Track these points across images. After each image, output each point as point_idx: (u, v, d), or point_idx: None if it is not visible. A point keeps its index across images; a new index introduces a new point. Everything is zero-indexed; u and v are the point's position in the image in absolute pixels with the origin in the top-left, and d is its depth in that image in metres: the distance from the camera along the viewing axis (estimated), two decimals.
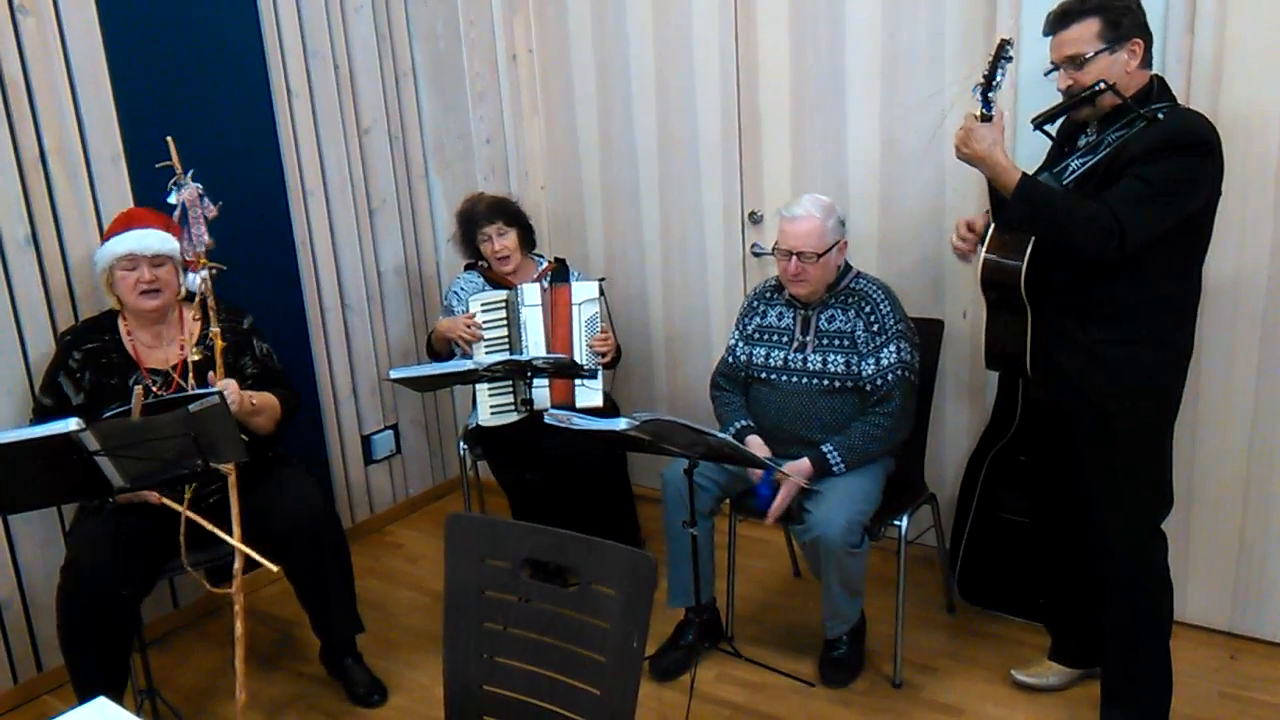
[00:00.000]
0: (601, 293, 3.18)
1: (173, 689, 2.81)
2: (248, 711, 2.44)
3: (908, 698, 2.64)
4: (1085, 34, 2.06)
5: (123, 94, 2.92)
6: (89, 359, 2.60)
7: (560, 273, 3.34)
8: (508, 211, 3.26)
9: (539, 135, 3.76)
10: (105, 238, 2.64)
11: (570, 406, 3.12)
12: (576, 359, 3.11)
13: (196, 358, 2.50)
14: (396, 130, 3.78)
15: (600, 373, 3.17)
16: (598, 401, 3.14)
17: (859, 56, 3.02)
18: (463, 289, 3.28)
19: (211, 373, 2.48)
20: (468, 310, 3.16)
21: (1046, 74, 2.18)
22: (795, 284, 2.69)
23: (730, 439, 2.43)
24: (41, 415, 2.55)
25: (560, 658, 1.53)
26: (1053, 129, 2.28)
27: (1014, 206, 2.06)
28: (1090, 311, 2.16)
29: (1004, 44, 2.06)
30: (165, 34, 3.04)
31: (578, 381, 3.12)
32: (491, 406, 3.13)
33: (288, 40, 3.35)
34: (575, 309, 3.14)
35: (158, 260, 2.57)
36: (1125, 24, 2.06)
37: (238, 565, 2.38)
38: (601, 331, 3.17)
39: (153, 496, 2.44)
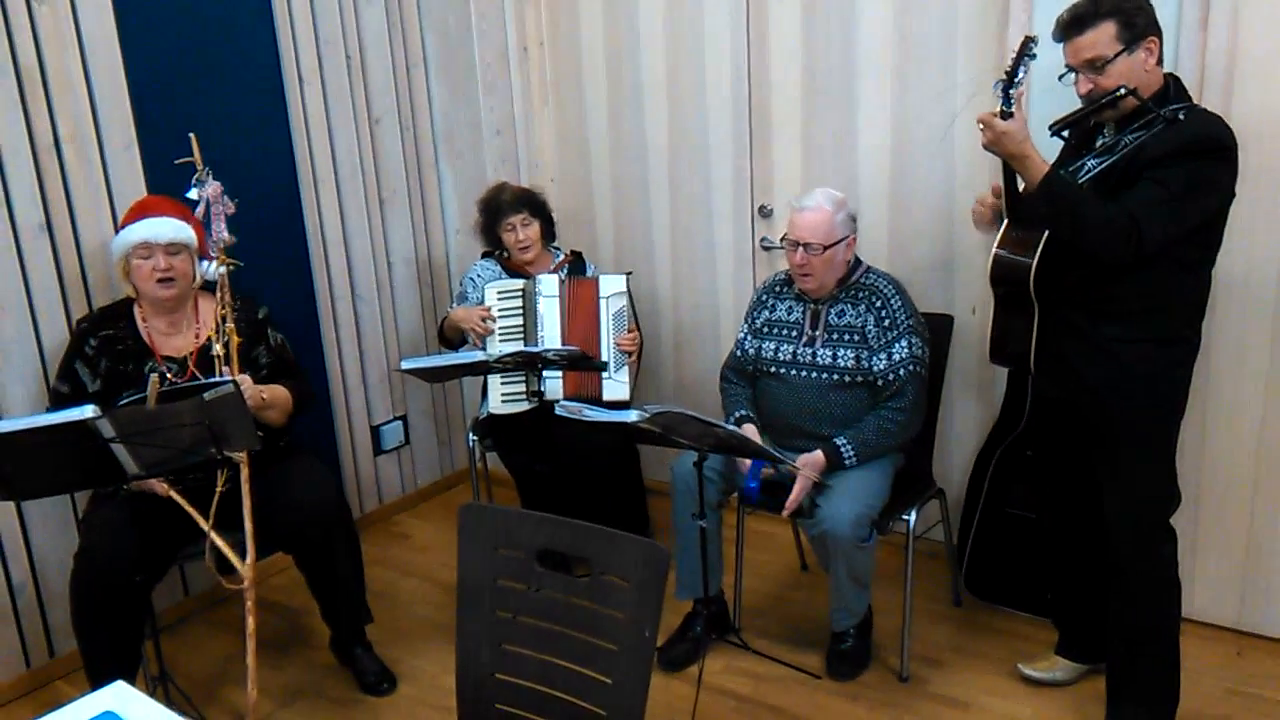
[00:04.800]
0: (628, 287, 3.18)
1: (184, 675, 2.82)
2: (258, 700, 2.45)
3: (914, 691, 2.65)
4: (1102, 37, 2.04)
5: (136, 82, 2.93)
6: (105, 346, 2.61)
7: (577, 265, 3.35)
8: (533, 203, 3.26)
9: (549, 127, 3.77)
10: (120, 226, 2.66)
11: (590, 398, 3.11)
12: (602, 354, 3.11)
13: (221, 353, 2.51)
14: (407, 120, 3.78)
15: (626, 366, 3.16)
16: (624, 395, 3.14)
17: (871, 51, 3.02)
18: (479, 275, 3.27)
19: (227, 367, 2.48)
20: (482, 297, 3.17)
21: (1060, 78, 2.14)
22: (802, 279, 2.69)
23: (739, 431, 2.44)
24: (58, 402, 2.56)
25: (572, 647, 1.55)
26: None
27: (1036, 198, 2.05)
28: (1101, 309, 2.16)
29: (1028, 41, 2.03)
30: (179, 22, 3.05)
31: (604, 375, 3.13)
32: (503, 395, 3.13)
33: (299, 28, 3.36)
34: (603, 302, 3.13)
35: (173, 248, 2.57)
36: (1140, 23, 2.04)
37: (249, 560, 2.37)
38: (628, 330, 3.18)
39: (160, 487, 2.44)
